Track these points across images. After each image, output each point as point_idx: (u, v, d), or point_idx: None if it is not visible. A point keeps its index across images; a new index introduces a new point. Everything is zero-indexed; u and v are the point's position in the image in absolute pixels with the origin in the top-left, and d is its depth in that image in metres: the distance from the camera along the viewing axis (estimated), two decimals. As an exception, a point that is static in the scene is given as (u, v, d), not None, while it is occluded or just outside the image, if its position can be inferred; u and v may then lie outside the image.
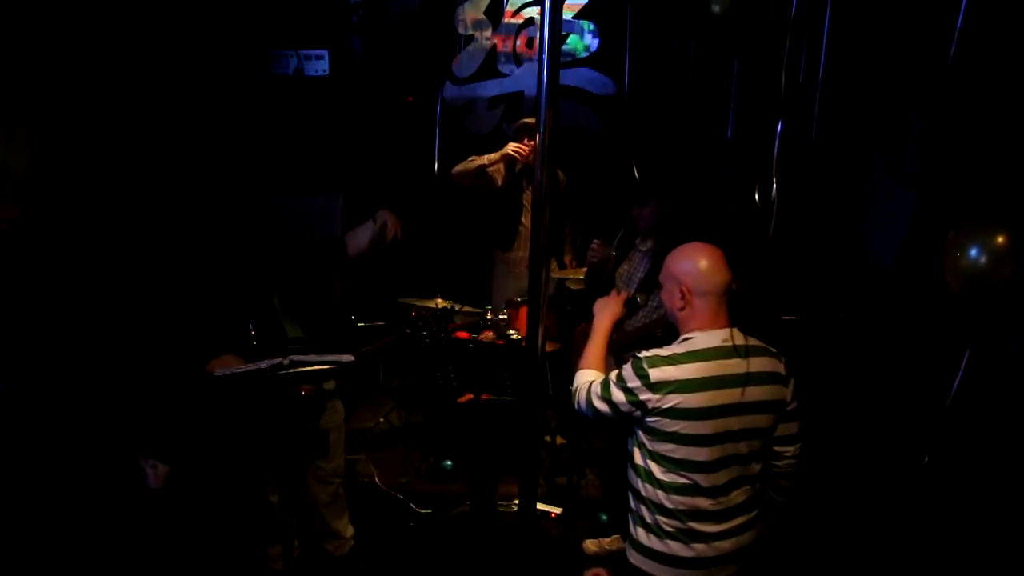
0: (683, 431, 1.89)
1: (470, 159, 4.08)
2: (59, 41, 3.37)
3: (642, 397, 1.90)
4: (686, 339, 1.98)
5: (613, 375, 1.99)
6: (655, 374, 1.89)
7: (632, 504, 2.05)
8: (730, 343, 1.95)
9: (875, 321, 3.24)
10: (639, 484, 2.00)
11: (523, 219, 4.20)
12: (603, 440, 3.51)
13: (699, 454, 1.90)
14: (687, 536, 1.95)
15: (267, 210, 2.89)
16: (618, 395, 1.95)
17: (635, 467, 2.01)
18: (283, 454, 2.46)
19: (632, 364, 1.95)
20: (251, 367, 2.23)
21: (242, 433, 2.70)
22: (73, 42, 3.44)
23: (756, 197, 3.70)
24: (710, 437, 1.90)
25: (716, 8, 3.72)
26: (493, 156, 4.05)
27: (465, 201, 4.81)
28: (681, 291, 1.97)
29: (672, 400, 1.88)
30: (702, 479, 1.91)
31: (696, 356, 1.93)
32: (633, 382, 1.92)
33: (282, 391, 2.33)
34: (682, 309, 1.98)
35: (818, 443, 3.23)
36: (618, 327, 2.30)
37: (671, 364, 1.91)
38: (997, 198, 2.50)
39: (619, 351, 2.84)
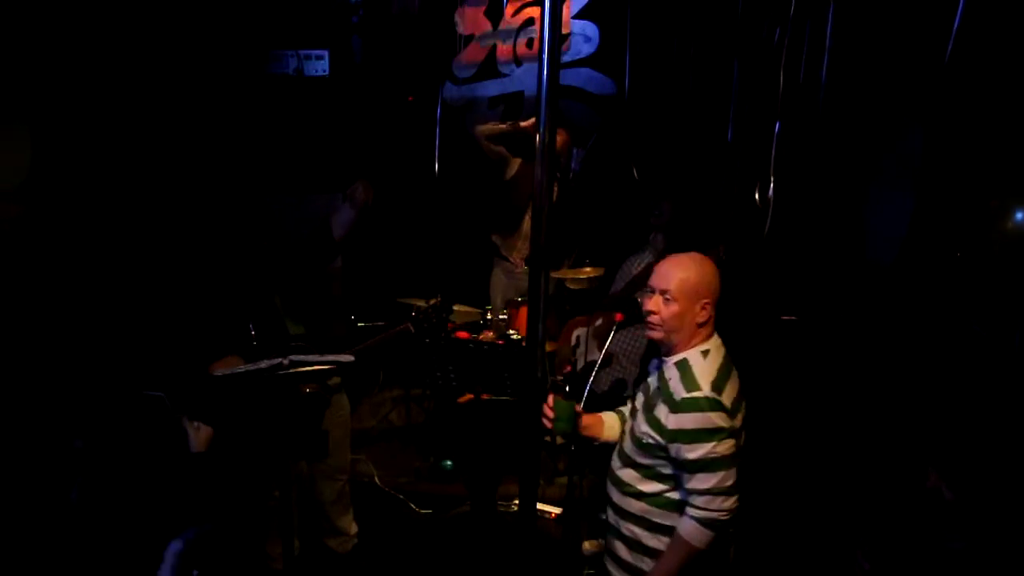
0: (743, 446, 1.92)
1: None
2: (60, 41, 3.37)
3: (734, 423, 1.87)
4: (705, 351, 1.94)
5: (712, 446, 1.83)
6: (724, 398, 1.86)
7: (654, 543, 1.96)
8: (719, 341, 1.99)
9: (875, 321, 3.24)
10: (675, 519, 1.91)
11: (527, 216, 4.22)
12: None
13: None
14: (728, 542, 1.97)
15: (268, 210, 2.89)
16: (730, 443, 1.84)
17: (674, 503, 1.93)
18: (283, 453, 2.46)
19: (706, 407, 1.84)
20: (251, 367, 2.24)
21: (243, 432, 2.71)
22: (74, 42, 3.44)
23: (756, 197, 3.71)
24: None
25: None
26: (523, 123, 4.10)
27: (465, 201, 4.82)
28: (707, 304, 1.94)
29: (741, 417, 1.90)
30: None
31: (727, 365, 1.94)
32: (723, 420, 1.84)
33: (283, 390, 2.33)
34: (705, 323, 1.95)
35: (818, 443, 3.24)
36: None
37: (724, 382, 1.88)
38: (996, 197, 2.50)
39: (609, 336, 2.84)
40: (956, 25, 2.61)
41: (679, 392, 1.87)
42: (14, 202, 2.99)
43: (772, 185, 3.64)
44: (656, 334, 1.97)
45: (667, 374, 1.96)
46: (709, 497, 1.82)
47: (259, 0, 4.65)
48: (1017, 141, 2.55)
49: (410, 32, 5.00)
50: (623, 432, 2.13)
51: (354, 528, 3.14)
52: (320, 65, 4.90)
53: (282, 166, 4.66)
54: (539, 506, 3.61)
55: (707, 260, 1.98)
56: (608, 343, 2.48)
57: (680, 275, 1.94)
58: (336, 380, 2.94)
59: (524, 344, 3.30)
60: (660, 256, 3.25)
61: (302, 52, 4.87)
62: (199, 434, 2.26)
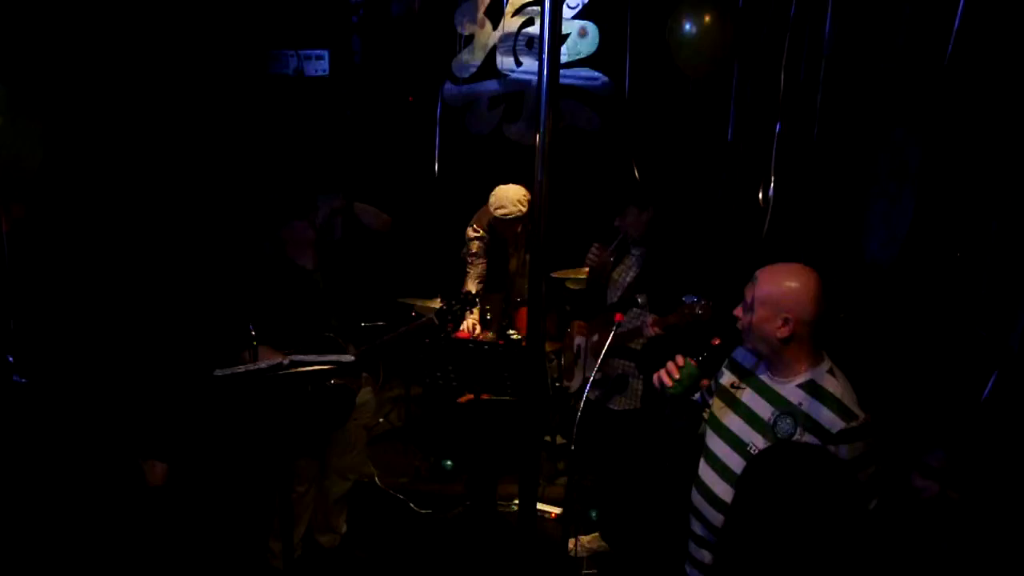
0: None
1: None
2: (64, 42, 3.38)
3: None
4: (830, 369, 1.86)
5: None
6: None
7: None
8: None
9: (875, 321, 3.24)
10: None
11: (509, 264, 4.21)
12: (603, 441, 3.50)
13: None
14: None
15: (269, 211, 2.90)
16: None
17: None
18: (283, 452, 2.47)
19: (865, 434, 1.77)
20: (251, 367, 2.24)
21: (247, 430, 2.72)
22: (77, 43, 3.44)
23: (760, 197, 3.70)
24: None
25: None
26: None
27: (464, 201, 4.82)
28: (788, 320, 1.80)
29: None
30: None
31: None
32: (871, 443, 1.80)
33: (295, 387, 2.36)
34: (790, 339, 1.81)
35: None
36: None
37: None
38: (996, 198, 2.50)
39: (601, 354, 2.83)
40: (956, 25, 2.61)
41: (834, 423, 1.77)
42: (19, 202, 2.99)
43: (772, 185, 3.63)
44: (748, 343, 1.93)
45: (791, 397, 1.85)
46: None
47: (259, 0, 4.65)
48: (1017, 141, 2.56)
49: (410, 32, 5.00)
50: (717, 443, 1.98)
51: (344, 527, 3.19)
52: (320, 65, 4.91)
53: (282, 166, 4.66)
54: (539, 506, 3.61)
55: (803, 275, 1.83)
56: (608, 342, 2.49)
57: (763, 285, 1.85)
58: (368, 392, 3.03)
59: (524, 344, 3.29)
60: (638, 260, 3.24)
61: (302, 52, 4.87)
62: (154, 470, 2.38)
